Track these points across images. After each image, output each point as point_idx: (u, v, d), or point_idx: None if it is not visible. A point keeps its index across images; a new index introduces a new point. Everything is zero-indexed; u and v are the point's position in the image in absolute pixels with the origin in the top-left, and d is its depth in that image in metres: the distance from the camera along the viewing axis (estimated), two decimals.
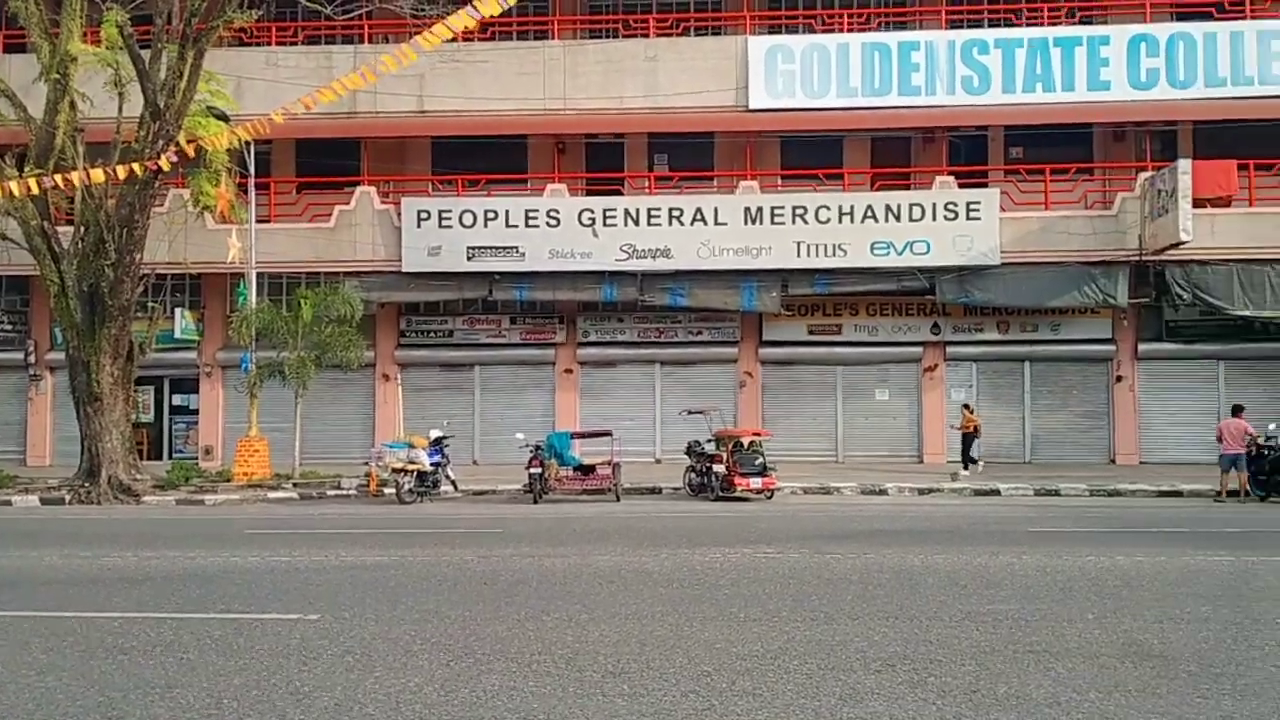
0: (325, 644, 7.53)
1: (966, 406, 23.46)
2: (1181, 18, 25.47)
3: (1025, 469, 23.95)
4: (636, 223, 24.26)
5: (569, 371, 26.15)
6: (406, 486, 19.09)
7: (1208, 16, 25.13)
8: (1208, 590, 9.27)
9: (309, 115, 17.20)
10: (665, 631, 7.78)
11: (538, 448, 19.58)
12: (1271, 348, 24.79)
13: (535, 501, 18.97)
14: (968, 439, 22.80)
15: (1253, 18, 24.93)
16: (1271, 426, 20.03)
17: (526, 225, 24.44)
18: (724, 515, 16.44)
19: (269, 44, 26.21)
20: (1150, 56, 24.66)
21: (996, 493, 19.96)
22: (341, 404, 26.15)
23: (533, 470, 19.18)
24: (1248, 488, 18.99)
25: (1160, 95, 24.57)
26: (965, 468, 22.57)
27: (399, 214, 24.83)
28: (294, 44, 26.43)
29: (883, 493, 20.23)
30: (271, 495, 20.53)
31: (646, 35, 26.02)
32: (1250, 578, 9.96)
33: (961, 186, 24.45)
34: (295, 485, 21.37)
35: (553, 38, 26.17)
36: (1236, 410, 20.01)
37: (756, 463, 19.40)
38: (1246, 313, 23.68)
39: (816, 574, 10.24)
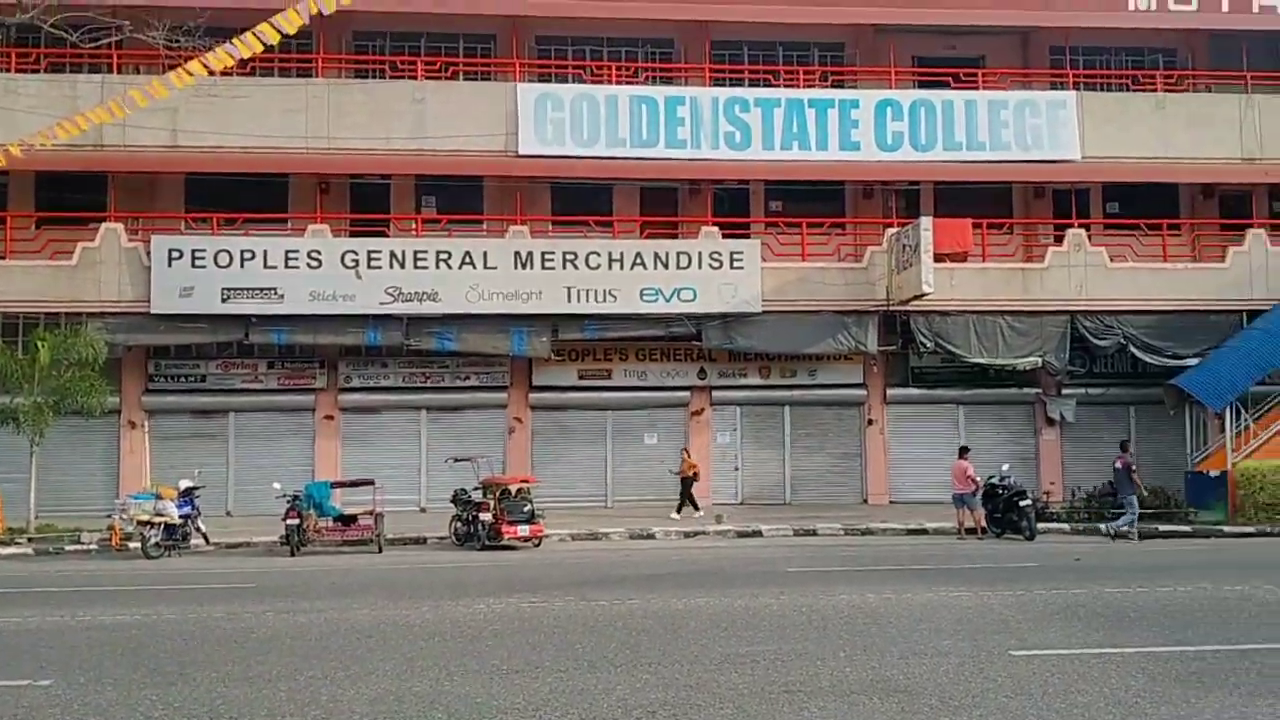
0: (57, 712, 7.00)
1: (685, 450, 24.13)
2: (923, 85, 27.22)
3: (786, 510, 24.78)
4: (403, 265, 23.90)
5: (330, 418, 25.39)
6: (153, 540, 18.02)
7: (946, 85, 26.98)
8: (948, 625, 9.79)
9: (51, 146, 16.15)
10: (425, 687, 7.59)
11: (295, 498, 18.89)
12: (1004, 393, 26.62)
13: (293, 554, 18.24)
14: (686, 483, 23.31)
15: (985, 88, 26.93)
16: (1005, 467, 21.52)
17: (286, 266, 23.66)
18: (490, 564, 16.27)
19: (8, 70, 24.50)
20: (895, 120, 26.25)
21: (759, 534, 20.57)
22: (83, 453, 24.44)
23: (290, 521, 18.46)
24: (984, 525, 20.26)
25: (904, 157, 26.15)
26: (679, 510, 23.07)
27: (148, 252, 23.57)
28: (35, 71, 24.82)
29: (650, 537, 20.50)
30: (3, 551, 18.99)
31: (415, 77, 25.80)
32: (985, 611, 10.59)
33: (726, 237, 25.26)
34: (30, 540, 19.84)
35: (317, 75, 25.58)
36: (962, 452, 21.45)
37: (525, 510, 19.34)
38: (981, 360, 25.38)
39: (582, 622, 10.24)
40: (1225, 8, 27.60)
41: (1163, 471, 24.66)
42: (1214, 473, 22.36)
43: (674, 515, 22.84)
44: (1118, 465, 19.98)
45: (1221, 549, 17.79)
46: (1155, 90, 27.40)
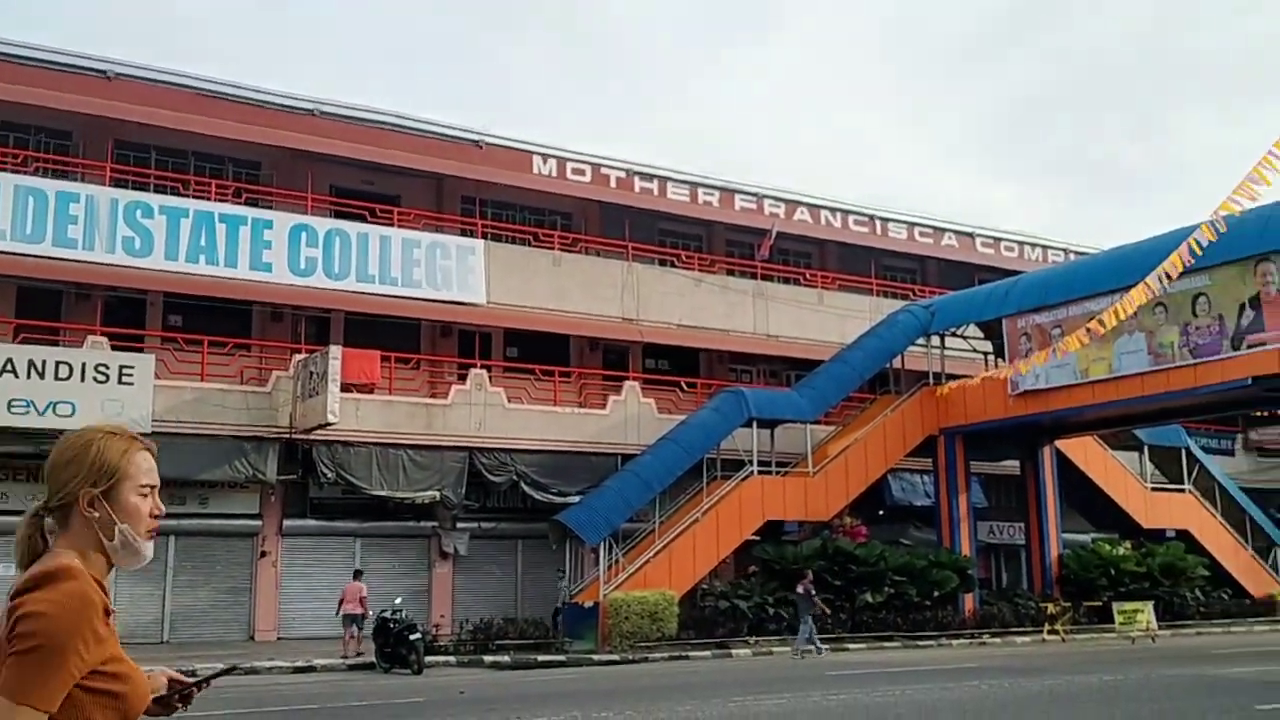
0: None
1: None
2: (340, 215, 27.44)
3: (162, 649, 22.75)
4: None
5: None
6: None
7: (362, 218, 27.42)
8: None
9: None
10: None
11: None
12: (402, 525, 26.81)
13: None
14: None
15: (400, 226, 27.74)
16: (398, 600, 21.52)
17: None
18: None
19: None
20: (310, 246, 26.09)
21: None
22: None
23: None
24: (374, 657, 20.09)
25: (317, 283, 25.98)
26: None
27: None
28: None
29: None
30: None
31: None
32: None
33: (115, 349, 23.25)
34: None
35: None
36: (356, 575, 21.75)
37: None
38: (382, 492, 25.41)
39: None
40: (613, 184, 31.11)
41: (547, 603, 26.10)
42: (588, 604, 24.03)
43: None
44: (799, 590, 22.55)
45: (590, 677, 19.01)
46: (554, 249, 29.91)
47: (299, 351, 25.13)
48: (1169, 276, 20.14)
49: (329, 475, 24.88)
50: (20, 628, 2.04)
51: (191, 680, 2.54)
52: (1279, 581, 33.68)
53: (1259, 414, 36.05)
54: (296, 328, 26.72)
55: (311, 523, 25.95)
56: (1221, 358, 23.55)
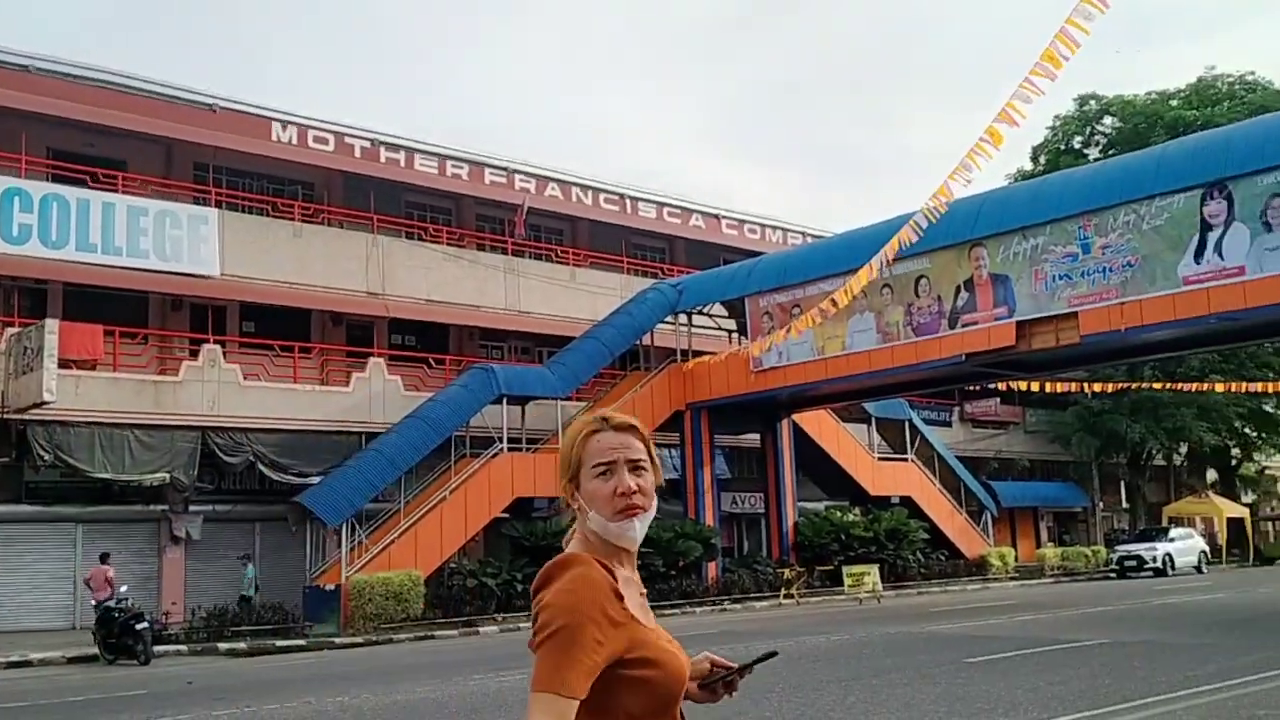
0: None
1: None
2: (59, 180, 25.52)
3: None
4: None
5: None
6: None
7: (84, 184, 25.58)
8: None
9: None
10: None
11: None
12: (128, 510, 25.27)
13: None
14: None
15: (125, 192, 26.05)
16: (123, 589, 20.34)
17: None
18: None
19: None
20: (24, 212, 24.17)
21: None
22: None
23: None
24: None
25: (32, 252, 24.11)
26: None
27: None
28: None
29: None
30: None
31: None
32: None
33: None
34: None
35: None
36: (103, 558, 20.59)
37: None
38: (106, 475, 23.90)
39: None
40: (357, 153, 30.28)
41: (286, 587, 25.24)
42: (329, 586, 23.42)
43: None
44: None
45: (330, 661, 18.57)
46: (294, 219, 28.82)
47: (11, 325, 23.31)
48: (889, 260, 21.34)
49: (46, 457, 23.17)
50: (537, 624, 2.18)
51: (736, 665, 2.49)
52: (989, 543, 36.57)
53: (972, 388, 38.85)
54: (9, 299, 24.77)
55: (26, 508, 24.13)
56: (939, 335, 25.20)
